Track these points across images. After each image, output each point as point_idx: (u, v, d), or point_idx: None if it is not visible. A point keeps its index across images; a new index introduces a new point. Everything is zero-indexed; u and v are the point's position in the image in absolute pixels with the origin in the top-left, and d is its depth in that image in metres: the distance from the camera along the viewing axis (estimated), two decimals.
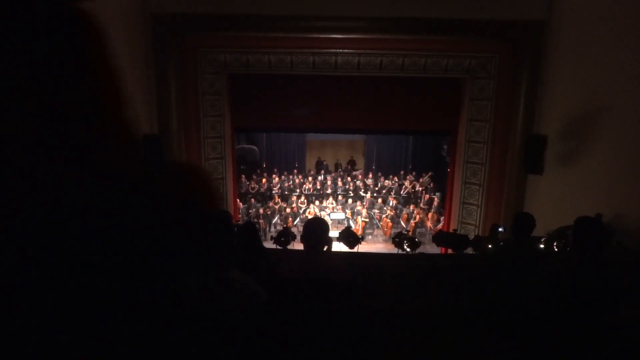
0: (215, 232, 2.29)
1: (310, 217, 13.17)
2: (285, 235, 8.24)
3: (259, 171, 16.73)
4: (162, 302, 2.15)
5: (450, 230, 10.42)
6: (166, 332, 1.93)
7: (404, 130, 13.73)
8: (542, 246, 6.51)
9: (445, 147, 15.12)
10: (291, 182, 15.70)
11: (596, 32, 7.50)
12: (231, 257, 2.33)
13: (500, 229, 8.53)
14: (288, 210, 13.44)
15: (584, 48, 7.82)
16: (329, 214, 13.42)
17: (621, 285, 3.09)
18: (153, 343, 1.91)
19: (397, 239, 8.44)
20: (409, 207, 14.06)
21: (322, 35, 9.34)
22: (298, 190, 15.19)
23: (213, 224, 2.33)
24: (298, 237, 8.76)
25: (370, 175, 16.38)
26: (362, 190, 15.30)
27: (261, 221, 13.16)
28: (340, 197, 14.81)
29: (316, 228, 3.37)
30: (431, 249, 10.02)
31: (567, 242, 6.26)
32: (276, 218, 13.46)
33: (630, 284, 3.15)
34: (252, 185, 15.20)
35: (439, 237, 8.50)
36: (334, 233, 8.83)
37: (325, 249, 3.42)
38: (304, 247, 3.41)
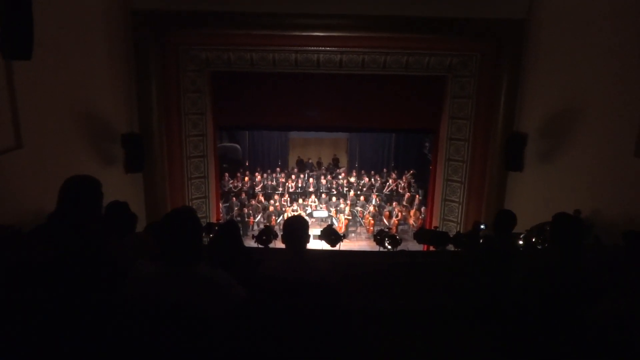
0: (179, 227, 2.30)
1: (287, 215, 13.17)
2: (266, 234, 8.20)
3: (241, 169, 16.64)
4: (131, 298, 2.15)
5: (432, 227, 10.51)
6: (138, 328, 1.91)
7: (386, 128, 13.76)
8: (520, 242, 6.59)
9: (427, 144, 15.19)
10: (274, 180, 15.66)
11: (575, 32, 7.61)
12: (200, 252, 2.33)
13: (482, 226, 8.60)
14: (271, 208, 13.40)
15: (564, 47, 7.92)
16: (310, 213, 13.43)
17: (598, 280, 3.14)
18: (128, 341, 1.89)
19: (379, 237, 8.47)
20: (391, 204, 14.12)
21: (304, 33, 9.32)
22: (281, 189, 15.16)
23: (176, 220, 2.34)
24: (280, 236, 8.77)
25: (354, 173, 16.41)
26: (345, 188, 15.32)
27: (249, 219, 13.17)
28: (323, 195, 14.81)
29: (294, 226, 3.35)
30: (413, 245, 10.05)
31: (546, 238, 6.35)
32: (259, 216, 13.42)
33: (607, 279, 3.20)
34: (235, 184, 15.11)
35: (420, 234, 8.55)
36: (316, 231, 8.83)
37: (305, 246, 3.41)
38: (285, 246, 3.40)
